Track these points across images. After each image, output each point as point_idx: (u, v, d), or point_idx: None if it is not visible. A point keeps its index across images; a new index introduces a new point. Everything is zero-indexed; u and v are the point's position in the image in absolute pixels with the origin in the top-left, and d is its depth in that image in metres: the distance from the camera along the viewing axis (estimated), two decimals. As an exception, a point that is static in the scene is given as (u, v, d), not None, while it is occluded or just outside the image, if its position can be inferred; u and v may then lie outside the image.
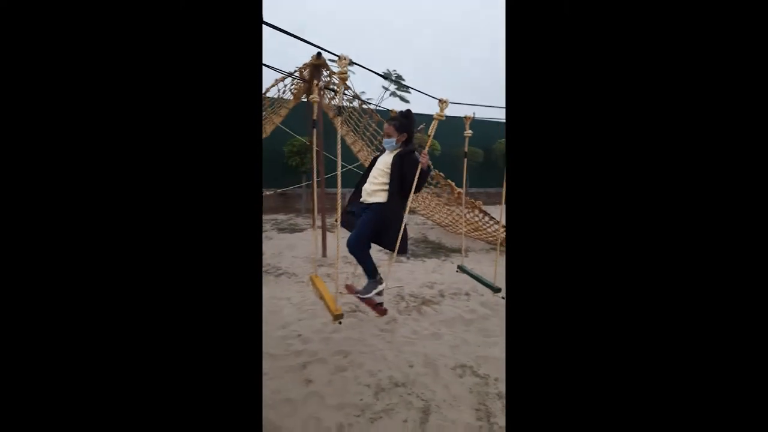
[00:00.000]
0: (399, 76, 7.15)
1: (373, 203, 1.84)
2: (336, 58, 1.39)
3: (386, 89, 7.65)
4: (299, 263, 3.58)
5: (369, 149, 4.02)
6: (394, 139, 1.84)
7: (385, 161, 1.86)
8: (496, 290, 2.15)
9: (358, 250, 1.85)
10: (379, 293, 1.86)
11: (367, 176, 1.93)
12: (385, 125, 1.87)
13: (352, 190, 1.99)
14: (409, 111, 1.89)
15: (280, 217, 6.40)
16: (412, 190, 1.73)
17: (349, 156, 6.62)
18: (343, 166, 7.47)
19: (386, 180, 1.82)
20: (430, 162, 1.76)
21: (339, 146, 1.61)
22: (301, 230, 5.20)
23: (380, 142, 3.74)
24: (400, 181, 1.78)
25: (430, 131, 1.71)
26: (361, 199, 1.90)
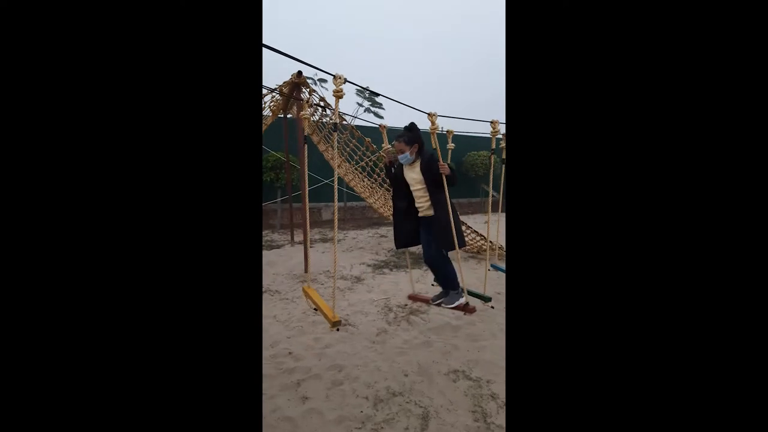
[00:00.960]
0: (373, 93, 7.34)
1: (431, 217, 2.01)
2: (312, 72, 1.48)
3: (360, 105, 7.82)
4: (281, 280, 3.51)
5: (349, 164, 4.08)
6: (407, 153, 1.96)
7: (414, 178, 2.00)
8: (487, 300, 2.20)
9: (440, 262, 2.04)
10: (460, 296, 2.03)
11: (403, 193, 2.09)
12: (396, 143, 1.98)
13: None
14: (413, 123, 2.02)
15: (255, 233, 6.24)
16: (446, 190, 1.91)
17: (325, 171, 6.63)
18: (319, 181, 7.33)
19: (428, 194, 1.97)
20: (447, 166, 1.91)
21: (336, 165, 1.66)
22: (279, 246, 5.09)
23: (360, 157, 3.82)
24: (436, 185, 1.93)
25: (433, 143, 1.86)
26: (420, 215, 2.08)
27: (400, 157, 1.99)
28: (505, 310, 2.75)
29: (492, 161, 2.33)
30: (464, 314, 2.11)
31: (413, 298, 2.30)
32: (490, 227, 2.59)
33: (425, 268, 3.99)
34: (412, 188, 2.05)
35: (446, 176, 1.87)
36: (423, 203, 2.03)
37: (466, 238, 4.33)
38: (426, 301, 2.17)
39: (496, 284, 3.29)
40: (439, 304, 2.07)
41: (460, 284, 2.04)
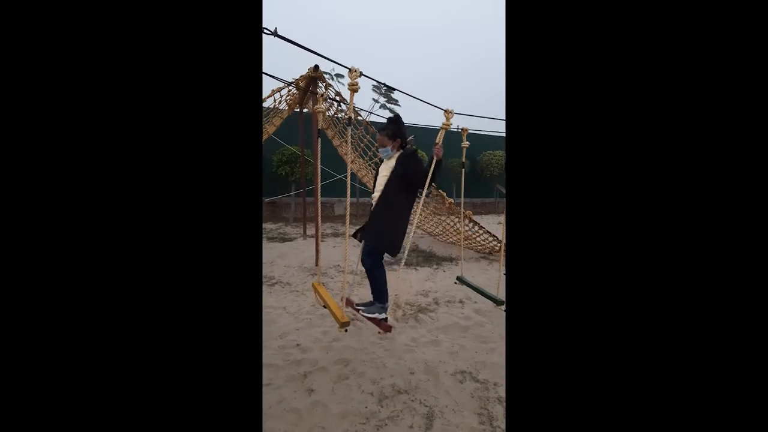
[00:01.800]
0: (389, 88, 7.30)
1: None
2: (329, 67, 1.45)
3: (376, 101, 7.81)
4: (292, 272, 3.56)
5: (362, 160, 4.07)
6: (389, 147, 1.87)
7: (388, 166, 1.87)
8: (500, 303, 2.14)
9: (372, 265, 1.84)
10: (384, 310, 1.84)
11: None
12: (378, 136, 1.90)
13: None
14: (397, 115, 1.92)
15: (269, 226, 6.33)
16: (426, 184, 1.73)
17: (339, 166, 6.66)
18: (332, 176, 7.39)
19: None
20: (441, 148, 1.75)
21: (350, 161, 1.65)
22: (291, 239, 5.15)
23: (374, 153, 3.81)
24: (400, 180, 1.79)
25: (438, 139, 1.77)
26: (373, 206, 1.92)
27: (381, 150, 1.90)
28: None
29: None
30: (378, 332, 1.94)
31: (348, 302, 2.01)
32: (497, 228, 2.53)
33: (435, 266, 3.97)
34: (379, 176, 1.90)
35: (436, 163, 1.70)
36: (377, 193, 1.86)
37: (478, 238, 4.28)
38: (352, 304, 1.95)
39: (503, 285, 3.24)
40: (358, 310, 1.88)
41: (389, 301, 1.86)
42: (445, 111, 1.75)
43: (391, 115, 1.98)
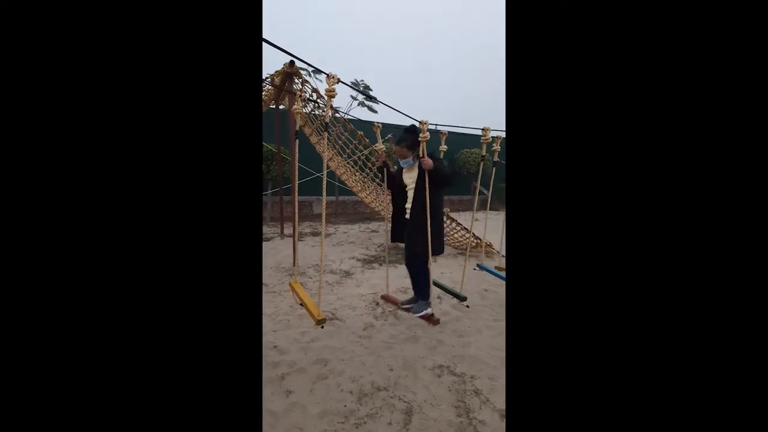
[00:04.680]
0: (367, 86, 7.28)
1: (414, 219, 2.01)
2: (305, 65, 1.44)
3: (354, 99, 7.75)
4: (269, 273, 3.48)
5: (341, 158, 4.04)
6: (410, 158, 2.01)
7: (411, 175, 2.02)
8: (462, 299, 2.28)
9: (417, 268, 2.03)
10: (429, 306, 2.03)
11: (400, 195, 2.13)
12: (397, 149, 2.03)
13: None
14: (413, 126, 2.03)
15: (245, 225, 6.16)
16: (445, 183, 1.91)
17: (318, 163, 6.57)
18: (310, 174, 7.24)
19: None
20: (428, 161, 1.85)
21: (327, 159, 1.63)
22: (268, 239, 5.04)
23: (352, 151, 3.79)
24: (432, 186, 1.91)
25: (421, 153, 1.84)
26: (407, 216, 2.08)
27: (402, 162, 2.05)
28: (490, 306, 2.78)
29: (482, 166, 2.36)
30: (428, 325, 2.13)
31: (385, 298, 2.33)
32: (473, 224, 2.61)
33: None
34: (408, 188, 2.09)
35: (436, 173, 1.84)
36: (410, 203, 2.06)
37: (456, 235, 4.36)
38: (396, 303, 2.19)
39: (483, 281, 3.32)
40: (407, 309, 2.10)
41: (430, 296, 2.06)
42: (421, 122, 1.76)
43: (375, 113, 2.11)
